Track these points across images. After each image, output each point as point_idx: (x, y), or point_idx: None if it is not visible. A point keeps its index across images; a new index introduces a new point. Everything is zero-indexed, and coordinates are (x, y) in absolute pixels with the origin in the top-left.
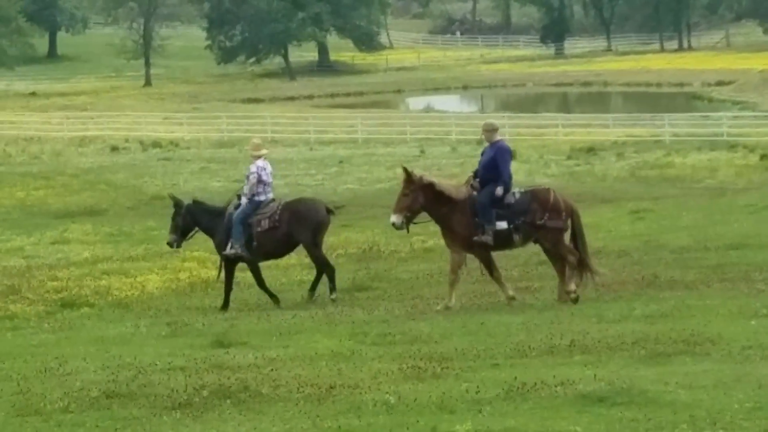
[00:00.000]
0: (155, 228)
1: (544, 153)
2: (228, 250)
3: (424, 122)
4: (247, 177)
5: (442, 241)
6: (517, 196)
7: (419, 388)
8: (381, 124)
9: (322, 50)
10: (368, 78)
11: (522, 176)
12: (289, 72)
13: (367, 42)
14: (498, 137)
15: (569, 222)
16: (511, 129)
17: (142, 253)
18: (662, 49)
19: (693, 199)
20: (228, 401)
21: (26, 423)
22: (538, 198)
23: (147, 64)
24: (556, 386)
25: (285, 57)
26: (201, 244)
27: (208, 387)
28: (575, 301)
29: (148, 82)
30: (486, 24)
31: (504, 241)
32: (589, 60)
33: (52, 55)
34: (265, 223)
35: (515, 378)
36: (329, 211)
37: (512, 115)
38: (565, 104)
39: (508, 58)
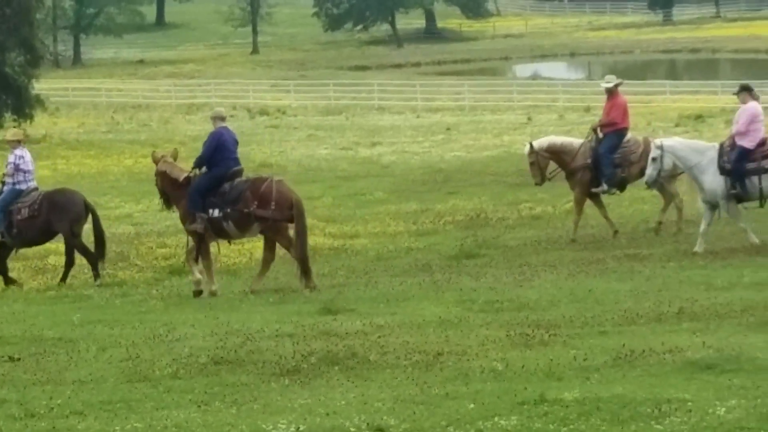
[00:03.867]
0: None
1: (652, 120)
2: None
3: (531, 89)
4: (7, 166)
5: (550, 209)
6: (235, 183)
7: (527, 355)
8: (488, 91)
9: (430, 17)
10: (475, 45)
11: None
12: (397, 39)
13: (474, 9)
14: (225, 124)
15: (289, 215)
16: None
17: None
18: None
19: None
20: (336, 368)
21: (135, 389)
22: (252, 186)
23: (254, 31)
24: (664, 353)
25: (392, 24)
26: (309, 212)
27: (316, 354)
28: (312, 289)
29: (255, 50)
30: None
31: (219, 230)
32: (698, 26)
33: (160, 22)
34: (25, 212)
35: (623, 345)
36: (87, 204)
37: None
38: (673, 71)
39: (616, 24)
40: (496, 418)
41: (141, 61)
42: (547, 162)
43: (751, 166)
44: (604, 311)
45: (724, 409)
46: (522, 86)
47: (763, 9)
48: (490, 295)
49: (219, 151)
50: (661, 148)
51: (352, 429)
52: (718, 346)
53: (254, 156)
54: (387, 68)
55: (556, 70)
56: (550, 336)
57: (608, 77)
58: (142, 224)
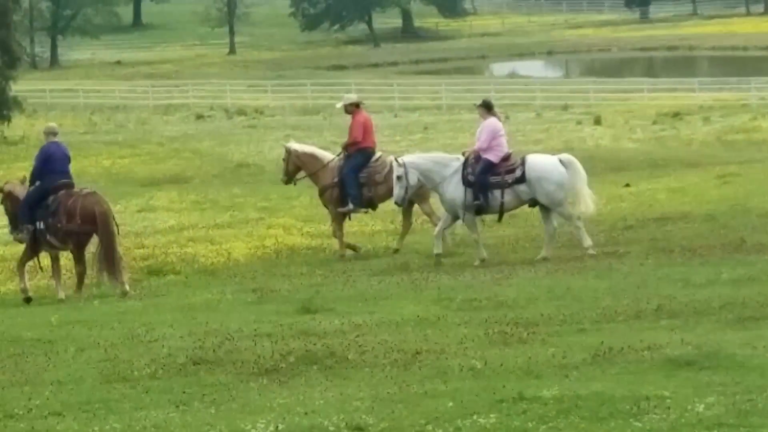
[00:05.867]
0: (241, 195)
1: (630, 118)
2: None
3: (509, 88)
4: None
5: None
6: (57, 196)
7: (505, 353)
8: (465, 90)
9: (406, 17)
10: (452, 44)
11: (608, 141)
12: (374, 39)
13: (451, 8)
14: (56, 140)
15: (94, 228)
16: (596, 94)
17: (228, 221)
18: (748, 13)
19: None
20: (314, 367)
21: (114, 389)
22: (63, 201)
23: (231, 31)
24: (643, 351)
25: (369, 24)
26: (287, 212)
27: (295, 353)
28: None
29: (232, 50)
30: None
31: (46, 241)
32: (675, 24)
33: (137, 23)
34: None
35: (602, 343)
36: None
37: (597, 80)
38: (650, 69)
39: (593, 22)
40: (474, 416)
41: (118, 62)
42: (297, 167)
43: (494, 179)
44: (582, 309)
45: (702, 405)
46: (499, 85)
47: (740, 6)
48: (468, 294)
49: (47, 165)
50: (404, 165)
51: (331, 428)
52: (697, 342)
53: (232, 156)
54: (364, 68)
55: (533, 68)
56: (528, 334)
57: (346, 96)
58: (119, 225)
